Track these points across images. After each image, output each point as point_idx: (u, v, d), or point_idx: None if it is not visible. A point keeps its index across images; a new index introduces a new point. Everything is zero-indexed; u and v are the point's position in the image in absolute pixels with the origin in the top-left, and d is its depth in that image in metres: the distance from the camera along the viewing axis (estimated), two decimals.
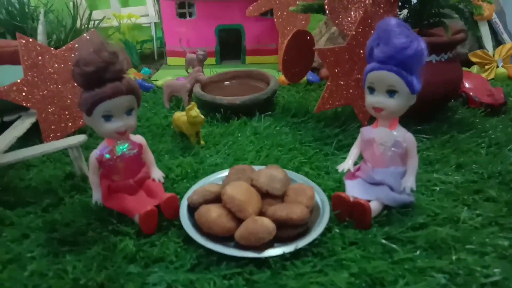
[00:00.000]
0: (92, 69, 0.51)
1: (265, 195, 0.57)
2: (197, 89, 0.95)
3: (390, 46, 0.53)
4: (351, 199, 0.56)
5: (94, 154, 0.57)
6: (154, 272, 0.49)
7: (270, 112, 0.91)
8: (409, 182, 0.57)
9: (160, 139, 0.83)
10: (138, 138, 0.61)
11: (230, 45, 1.37)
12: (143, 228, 0.55)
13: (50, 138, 0.81)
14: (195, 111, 0.75)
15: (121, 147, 0.58)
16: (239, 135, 0.82)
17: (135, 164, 0.60)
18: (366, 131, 0.61)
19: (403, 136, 0.58)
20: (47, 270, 0.49)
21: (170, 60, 1.38)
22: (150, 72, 1.29)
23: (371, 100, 0.58)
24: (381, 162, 0.59)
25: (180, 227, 0.55)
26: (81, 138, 0.67)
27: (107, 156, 0.57)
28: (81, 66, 0.51)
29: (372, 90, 0.57)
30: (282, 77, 1.15)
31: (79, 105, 0.54)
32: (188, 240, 0.53)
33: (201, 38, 1.33)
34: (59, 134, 0.78)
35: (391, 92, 0.56)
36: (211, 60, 1.33)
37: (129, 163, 0.59)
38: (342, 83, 0.79)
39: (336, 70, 0.78)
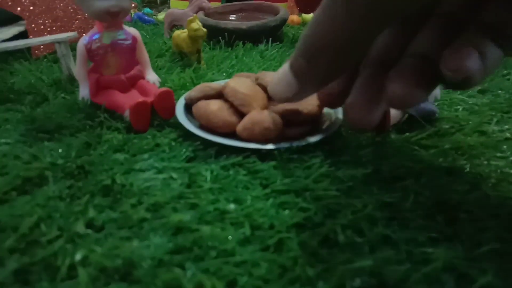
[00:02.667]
0: None
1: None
2: (200, 15, 0.88)
3: None
4: None
5: (83, 40, 0.51)
6: (144, 160, 0.43)
7: (278, 43, 0.85)
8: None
9: (157, 58, 0.77)
10: (133, 30, 0.54)
11: None
12: (133, 124, 0.49)
13: (39, 51, 0.75)
14: (197, 24, 0.69)
15: (112, 34, 0.51)
16: (244, 58, 0.76)
17: (128, 59, 0.54)
18: None
19: None
20: (22, 153, 0.43)
21: (174, 3, 1.31)
22: (151, 11, 1.22)
23: None
24: None
25: (176, 125, 0.49)
26: (70, 33, 0.61)
27: (97, 43, 0.51)
28: None
29: None
30: (291, 17, 1.09)
31: None
32: (184, 136, 0.47)
33: None
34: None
35: None
36: (216, 4, 1.26)
37: (121, 56, 0.53)
38: None
39: None
